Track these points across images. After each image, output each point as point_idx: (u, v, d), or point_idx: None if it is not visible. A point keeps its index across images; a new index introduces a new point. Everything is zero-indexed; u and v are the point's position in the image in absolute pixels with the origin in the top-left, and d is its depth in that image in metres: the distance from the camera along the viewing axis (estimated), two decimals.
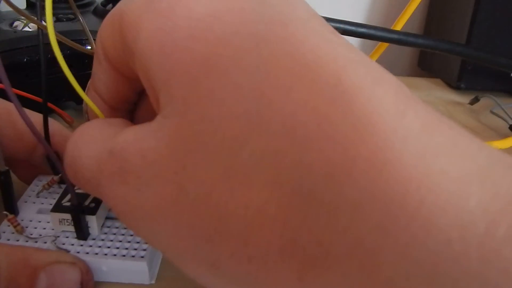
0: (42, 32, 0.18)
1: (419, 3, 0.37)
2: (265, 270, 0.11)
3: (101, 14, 0.37)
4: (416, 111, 0.11)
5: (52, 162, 0.22)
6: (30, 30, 0.33)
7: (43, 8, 0.14)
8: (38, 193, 0.23)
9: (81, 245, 0.20)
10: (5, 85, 0.15)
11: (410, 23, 0.40)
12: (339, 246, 0.10)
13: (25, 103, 0.18)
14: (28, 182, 0.24)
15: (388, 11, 0.53)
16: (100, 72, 0.16)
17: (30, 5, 0.38)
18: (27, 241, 0.20)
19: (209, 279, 0.13)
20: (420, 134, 0.10)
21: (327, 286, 0.10)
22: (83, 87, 0.16)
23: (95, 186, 0.14)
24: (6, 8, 0.36)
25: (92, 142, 0.14)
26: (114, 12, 0.14)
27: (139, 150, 0.12)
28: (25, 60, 0.30)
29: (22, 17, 0.30)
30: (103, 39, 0.15)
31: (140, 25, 0.13)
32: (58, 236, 0.20)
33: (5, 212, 0.21)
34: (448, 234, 0.09)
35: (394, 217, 0.10)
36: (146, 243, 0.14)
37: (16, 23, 0.34)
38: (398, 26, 0.37)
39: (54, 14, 0.34)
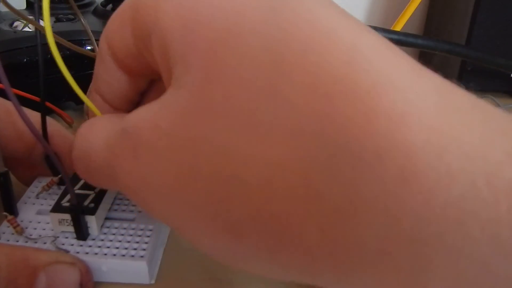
0: (40, 33, 0.18)
1: (419, 3, 0.37)
2: (289, 229, 0.11)
3: (101, 14, 0.37)
4: (429, 74, 0.11)
5: (51, 163, 0.22)
6: (30, 30, 0.33)
7: (41, 8, 0.14)
8: (37, 194, 0.23)
9: (81, 245, 0.20)
10: (5, 85, 0.15)
11: (410, 24, 0.39)
12: (364, 195, 0.10)
13: (24, 103, 0.18)
14: (28, 184, 0.24)
15: (388, 12, 0.53)
16: (103, 72, 0.16)
17: (30, 6, 0.38)
18: (26, 242, 0.20)
19: (229, 251, 0.12)
20: (437, 92, 0.11)
21: (350, 238, 0.10)
22: (83, 88, 0.16)
23: (107, 172, 0.14)
24: (6, 8, 0.35)
25: (101, 130, 0.15)
26: (124, 6, 0.15)
27: (152, 123, 0.12)
28: (25, 60, 0.30)
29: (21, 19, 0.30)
30: (110, 35, 0.15)
31: (159, 6, 0.13)
32: (58, 237, 0.20)
33: (4, 213, 0.21)
34: (474, 178, 0.09)
35: (415, 163, 0.10)
36: (161, 221, 0.14)
37: (16, 23, 0.34)
38: (398, 27, 0.37)
39: (54, 15, 0.34)
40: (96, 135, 0.15)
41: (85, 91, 0.16)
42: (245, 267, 0.13)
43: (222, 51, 0.11)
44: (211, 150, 0.11)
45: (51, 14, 0.34)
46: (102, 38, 0.16)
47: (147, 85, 0.18)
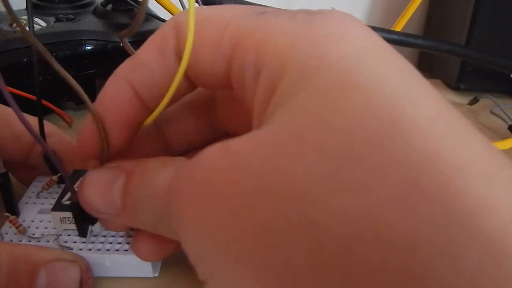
0: (34, 32, 0.18)
1: (419, 4, 0.37)
2: None
3: (101, 14, 0.37)
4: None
5: (50, 162, 0.22)
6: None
7: (40, 7, 0.14)
8: (38, 194, 0.23)
9: (83, 242, 0.20)
10: (1, 86, 0.15)
11: (410, 24, 0.40)
12: None
13: (22, 102, 0.18)
14: (27, 184, 0.24)
15: (388, 12, 0.53)
16: (156, 60, 0.15)
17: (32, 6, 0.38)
18: (29, 241, 0.20)
19: None
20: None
21: None
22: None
23: (165, 220, 0.13)
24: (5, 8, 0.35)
25: (161, 171, 0.13)
26: (225, 30, 0.14)
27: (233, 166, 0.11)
28: (25, 60, 0.30)
29: (22, 17, 0.30)
30: (195, 41, 0.13)
31: (275, 42, 0.12)
32: (60, 235, 0.20)
33: (6, 214, 0.21)
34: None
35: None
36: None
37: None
38: (398, 27, 0.37)
39: (54, 14, 0.34)
40: (151, 177, 0.13)
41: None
42: None
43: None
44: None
45: (51, 14, 0.34)
46: (171, 24, 0.14)
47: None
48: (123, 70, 0.15)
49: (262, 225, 0.10)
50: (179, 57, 0.14)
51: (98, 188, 0.15)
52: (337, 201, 0.09)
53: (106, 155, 0.16)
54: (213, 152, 0.12)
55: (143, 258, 0.17)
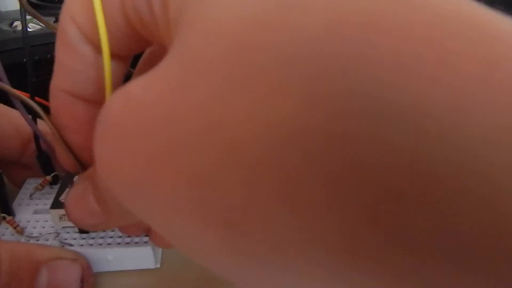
0: (27, 33, 0.18)
1: None
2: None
3: None
4: None
5: (43, 162, 0.22)
6: (30, 30, 0.33)
7: (40, 7, 0.14)
8: (31, 195, 0.23)
9: (84, 238, 0.20)
10: (5, 84, 0.15)
11: None
12: None
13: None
14: (19, 185, 0.24)
15: None
16: (70, 59, 0.13)
17: (32, 6, 0.38)
18: (29, 241, 0.20)
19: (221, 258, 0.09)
20: None
21: None
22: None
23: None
24: (6, 8, 0.36)
25: None
26: None
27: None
28: (24, 60, 0.30)
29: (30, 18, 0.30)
30: (75, 10, 0.12)
31: None
32: (60, 233, 0.21)
33: (3, 215, 0.21)
34: None
35: None
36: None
37: (16, 23, 0.34)
38: None
39: (53, 14, 0.35)
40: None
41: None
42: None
43: None
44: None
45: (51, 14, 0.34)
46: (65, 17, 0.13)
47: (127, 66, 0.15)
48: (54, 82, 0.14)
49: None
50: (89, 40, 0.13)
51: (78, 205, 0.15)
52: None
53: (79, 163, 0.15)
54: (114, 102, 0.11)
55: (165, 246, 0.17)
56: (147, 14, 0.12)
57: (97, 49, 0.13)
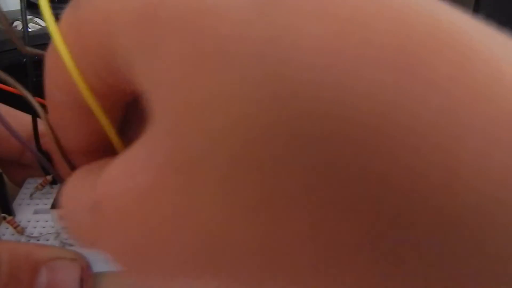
0: (27, 34, 0.18)
1: None
2: None
3: None
4: None
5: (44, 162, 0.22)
6: (30, 30, 0.33)
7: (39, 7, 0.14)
8: (31, 195, 0.23)
9: None
10: None
11: None
12: None
13: (19, 101, 0.18)
14: (19, 185, 0.24)
15: None
16: (68, 120, 0.13)
17: (30, 6, 0.38)
18: (29, 241, 0.20)
19: None
20: None
21: None
22: None
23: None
24: (6, 8, 0.35)
25: (81, 193, 0.12)
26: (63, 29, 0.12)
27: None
28: (24, 60, 0.30)
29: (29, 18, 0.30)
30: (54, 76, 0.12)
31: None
32: (60, 233, 0.21)
33: (3, 215, 0.21)
34: None
35: None
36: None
37: (15, 23, 0.34)
38: None
39: (53, 14, 0.35)
40: (77, 200, 0.12)
41: None
42: None
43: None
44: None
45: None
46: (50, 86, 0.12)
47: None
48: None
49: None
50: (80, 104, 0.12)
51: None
52: None
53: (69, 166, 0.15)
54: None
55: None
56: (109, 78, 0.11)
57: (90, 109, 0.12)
